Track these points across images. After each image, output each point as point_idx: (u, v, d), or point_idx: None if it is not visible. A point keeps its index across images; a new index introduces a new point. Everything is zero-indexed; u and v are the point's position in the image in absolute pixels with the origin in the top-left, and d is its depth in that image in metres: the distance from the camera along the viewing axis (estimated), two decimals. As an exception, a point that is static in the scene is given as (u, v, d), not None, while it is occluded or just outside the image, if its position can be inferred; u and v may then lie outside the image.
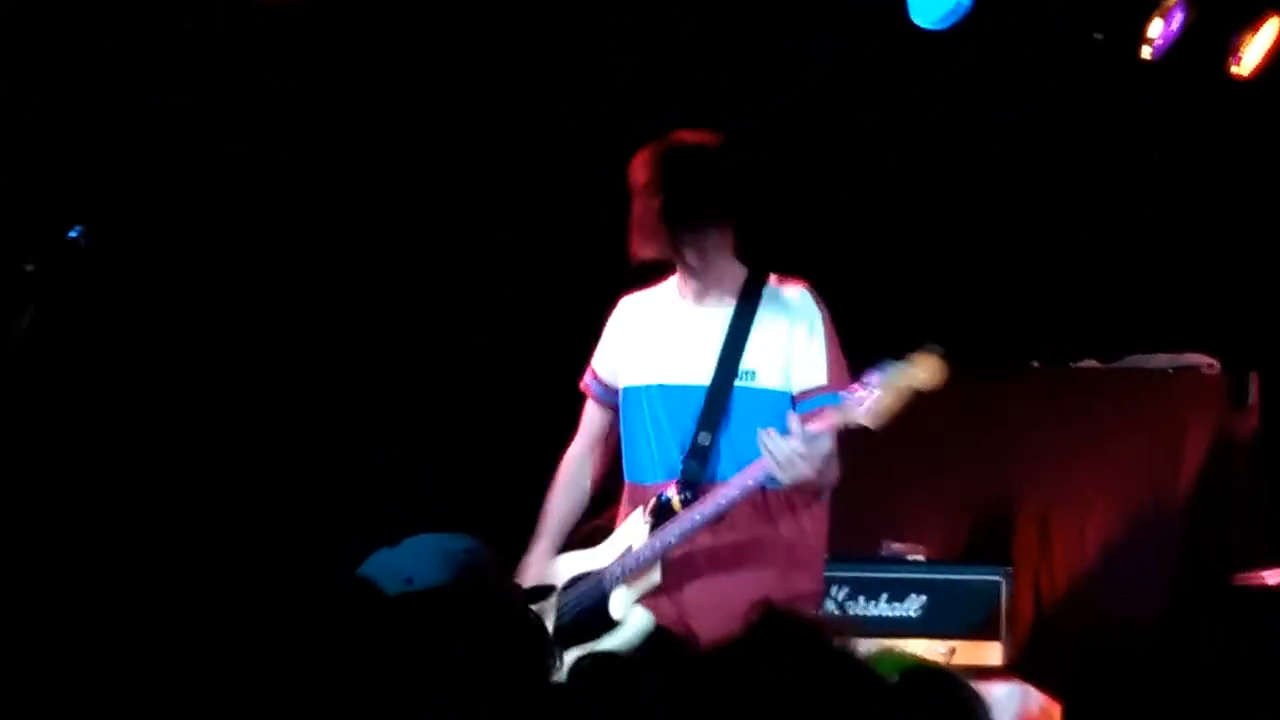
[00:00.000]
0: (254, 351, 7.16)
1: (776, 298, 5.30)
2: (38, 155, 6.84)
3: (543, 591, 5.42)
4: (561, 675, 3.21)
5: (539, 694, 3.03)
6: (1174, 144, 7.60)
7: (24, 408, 6.59)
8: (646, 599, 5.25)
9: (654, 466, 5.31)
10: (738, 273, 5.33)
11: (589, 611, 5.29)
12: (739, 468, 5.13)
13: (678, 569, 5.22)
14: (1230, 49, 7.18)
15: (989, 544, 7.42)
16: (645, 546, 5.22)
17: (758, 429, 5.02)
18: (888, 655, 3.62)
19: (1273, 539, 7.29)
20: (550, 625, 5.31)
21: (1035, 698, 6.74)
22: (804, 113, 7.41)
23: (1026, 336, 7.79)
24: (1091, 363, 7.74)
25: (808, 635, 3.30)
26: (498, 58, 7.09)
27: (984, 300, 7.76)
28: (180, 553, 6.71)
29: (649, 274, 5.43)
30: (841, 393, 5.07)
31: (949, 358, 5.07)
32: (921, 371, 5.05)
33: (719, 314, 5.30)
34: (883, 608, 6.96)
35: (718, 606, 5.09)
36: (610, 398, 5.46)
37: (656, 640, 5.24)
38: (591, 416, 5.53)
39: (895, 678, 3.44)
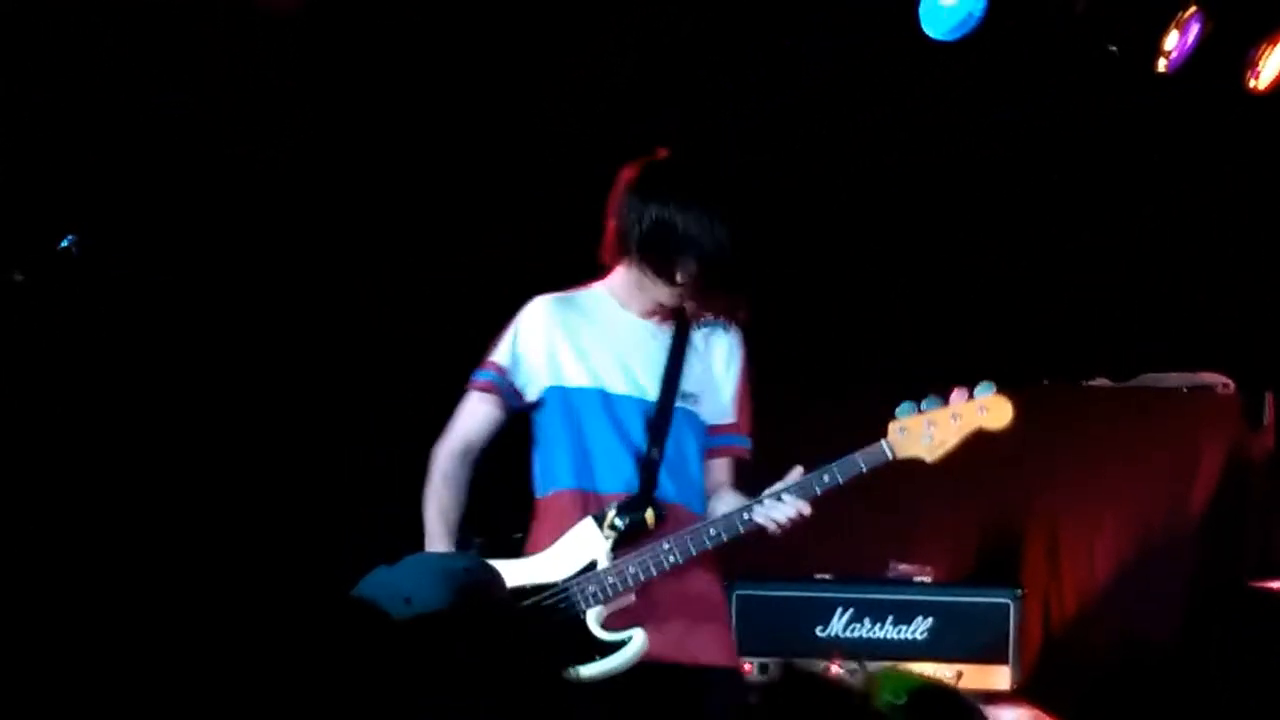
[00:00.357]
0: (254, 352, 7.12)
1: (708, 328, 5.34)
2: (36, 157, 6.81)
3: (545, 610, 5.28)
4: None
5: (541, 699, 2.98)
6: (1190, 160, 7.56)
7: (23, 414, 6.59)
8: (619, 617, 5.15)
9: (608, 474, 5.24)
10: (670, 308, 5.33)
11: (559, 628, 5.15)
12: (679, 487, 5.20)
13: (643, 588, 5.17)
14: (1248, 62, 7.13)
15: (998, 565, 7.39)
16: (632, 566, 5.12)
17: (773, 494, 5.08)
18: (894, 675, 3.59)
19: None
20: None
21: None
22: (806, 114, 7.37)
23: (1038, 353, 7.75)
24: (1104, 381, 7.70)
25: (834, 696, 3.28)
26: (498, 58, 7.07)
27: (994, 316, 7.73)
28: (180, 555, 6.67)
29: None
30: (896, 431, 5.09)
31: (1014, 395, 5.05)
32: (992, 416, 5.08)
33: (660, 331, 5.31)
34: (889, 630, 6.90)
35: (679, 631, 5.12)
36: (515, 398, 5.34)
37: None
38: (487, 413, 5.36)
39: (903, 698, 3.42)
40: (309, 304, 7.21)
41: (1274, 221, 7.58)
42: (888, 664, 3.84)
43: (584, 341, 5.32)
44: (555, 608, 5.17)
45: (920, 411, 5.09)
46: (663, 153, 5.29)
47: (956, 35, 6.64)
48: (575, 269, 5.83)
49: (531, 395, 5.34)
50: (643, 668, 5.08)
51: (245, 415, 7.12)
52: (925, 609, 6.92)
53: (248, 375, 7.11)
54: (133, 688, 6.36)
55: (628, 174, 5.29)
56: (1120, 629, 7.31)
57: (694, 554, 5.11)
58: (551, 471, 5.30)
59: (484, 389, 5.37)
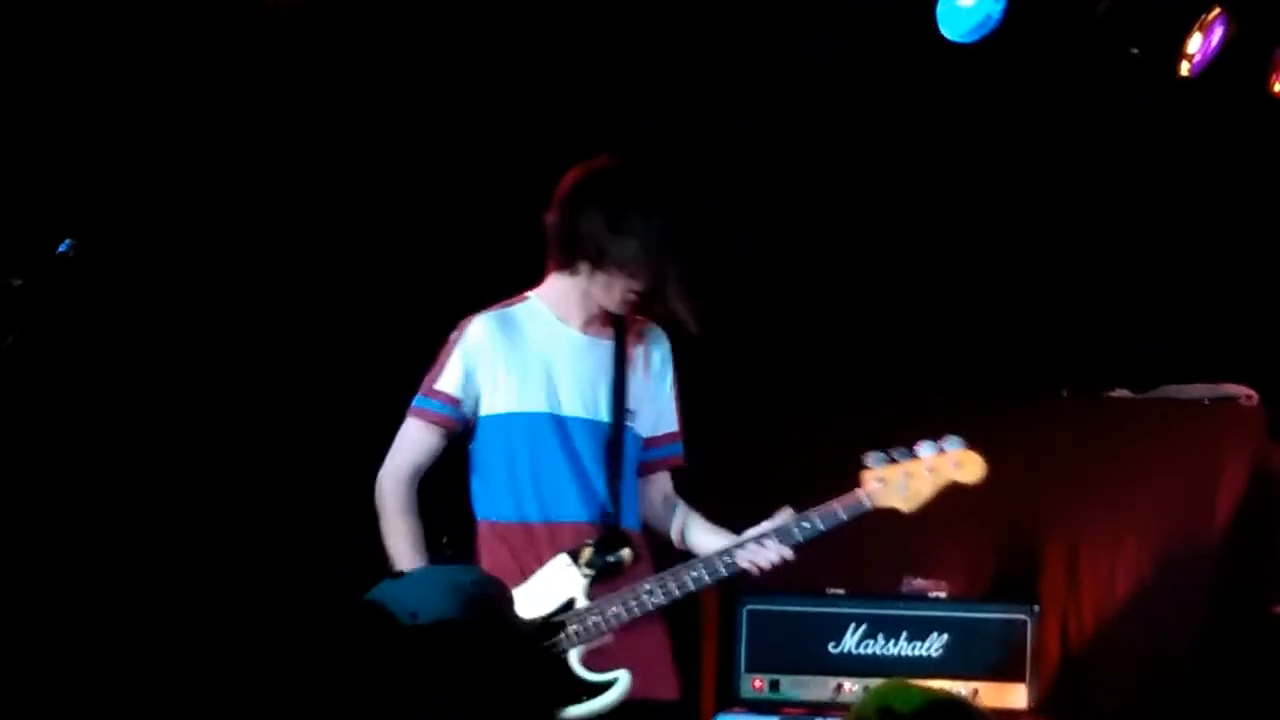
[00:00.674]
0: (255, 353, 7.08)
1: (644, 338, 5.32)
2: (35, 159, 6.81)
3: (554, 628, 5.20)
4: None
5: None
6: (1213, 166, 7.52)
7: (24, 418, 6.56)
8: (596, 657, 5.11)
9: (567, 503, 5.17)
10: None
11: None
12: (633, 511, 5.21)
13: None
14: (1272, 65, 7.08)
15: (1014, 580, 7.29)
16: (614, 607, 5.08)
17: (757, 536, 5.14)
18: (904, 689, 3.54)
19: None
20: None
21: None
22: (812, 114, 7.36)
23: (1056, 363, 7.68)
24: (1124, 392, 7.64)
25: None
26: (498, 58, 7.05)
27: (1013, 325, 7.68)
28: (182, 557, 6.67)
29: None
30: (872, 481, 5.19)
31: (980, 449, 5.25)
32: (966, 471, 5.25)
33: (603, 347, 5.25)
34: (903, 647, 6.84)
35: (636, 667, 5.10)
36: (462, 424, 5.22)
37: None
38: (434, 440, 5.23)
39: (910, 714, 3.44)
40: (310, 305, 7.18)
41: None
42: (895, 679, 3.76)
43: (529, 362, 5.21)
44: None
45: (894, 462, 5.21)
46: (604, 159, 5.24)
47: (975, 37, 6.61)
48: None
49: (477, 419, 5.23)
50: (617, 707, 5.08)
51: (246, 417, 7.08)
52: (940, 625, 6.85)
53: (248, 377, 7.07)
54: (137, 686, 6.31)
55: (569, 180, 5.23)
56: (1139, 646, 7.23)
57: (678, 596, 5.12)
58: (503, 499, 5.20)
59: (432, 420, 5.23)
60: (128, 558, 6.71)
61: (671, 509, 5.36)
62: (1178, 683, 7.11)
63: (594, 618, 5.06)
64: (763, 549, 5.13)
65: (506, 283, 7.31)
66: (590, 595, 5.09)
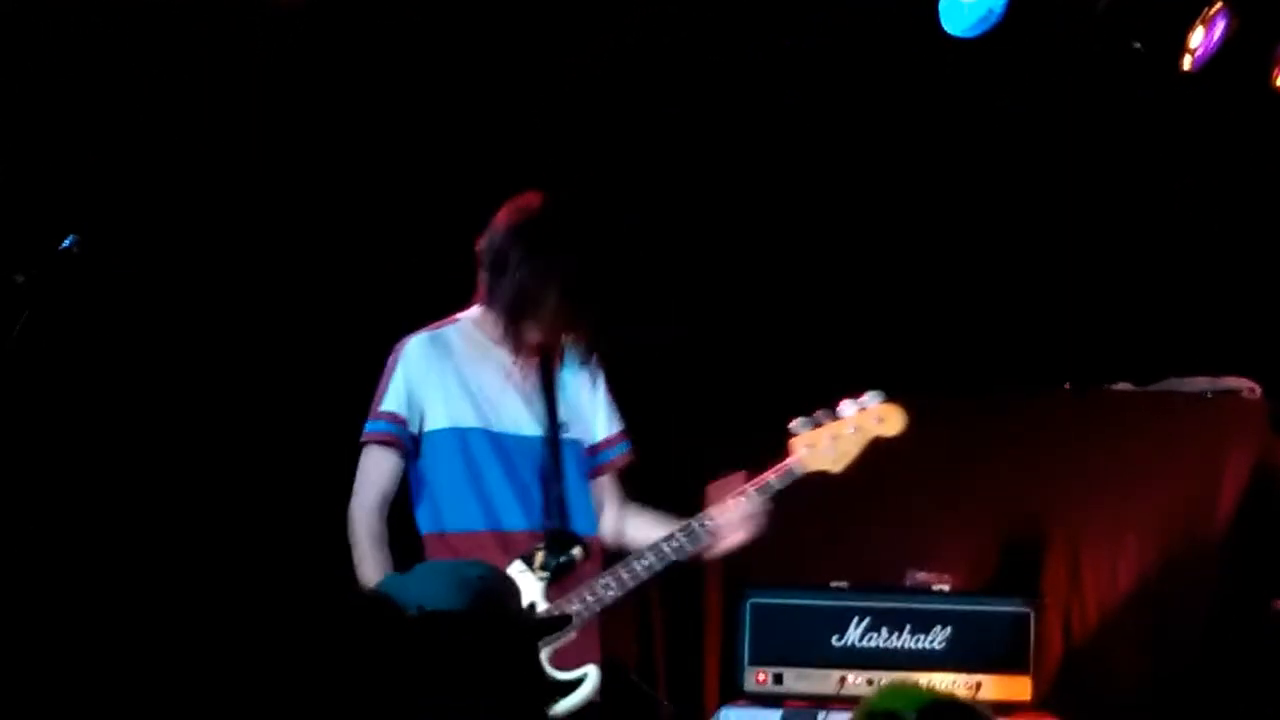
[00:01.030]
0: (257, 350, 7.08)
1: (568, 351, 5.44)
2: (37, 157, 6.82)
3: (560, 621, 5.29)
4: None
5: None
6: (1214, 159, 7.52)
7: (26, 415, 6.56)
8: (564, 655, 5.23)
9: (517, 513, 5.30)
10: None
11: None
12: (584, 518, 5.35)
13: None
14: (1274, 60, 7.08)
15: (1017, 574, 7.27)
16: (575, 604, 5.22)
17: (700, 520, 5.25)
18: (904, 689, 3.55)
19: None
20: None
21: None
22: (816, 112, 7.39)
23: (1059, 357, 7.66)
24: (1126, 385, 7.63)
25: None
26: (497, 58, 7.06)
27: (1016, 319, 7.65)
28: (186, 552, 6.68)
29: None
30: (801, 445, 5.33)
31: (903, 401, 5.36)
32: (888, 425, 5.38)
33: (531, 364, 5.39)
34: (906, 640, 6.82)
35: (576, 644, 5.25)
36: (411, 443, 5.37)
37: None
38: (394, 464, 5.37)
39: (912, 715, 3.41)
40: (310, 302, 7.17)
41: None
42: (897, 677, 3.77)
43: (465, 381, 5.36)
44: None
45: (818, 426, 5.33)
46: (531, 199, 5.38)
47: (976, 32, 6.60)
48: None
49: (421, 435, 5.37)
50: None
51: (248, 413, 7.07)
52: (943, 618, 6.83)
53: (250, 373, 7.06)
54: (141, 676, 6.30)
55: (499, 221, 5.39)
56: (1142, 639, 7.22)
57: (631, 586, 5.25)
58: (450, 510, 5.33)
59: (384, 441, 5.36)
60: (130, 551, 6.72)
61: (618, 510, 5.50)
62: (1181, 676, 7.10)
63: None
64: (704, 529, 5.26)
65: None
66: (549, 597, 5.21)
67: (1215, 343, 7.62)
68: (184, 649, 6.47)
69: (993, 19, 6.63)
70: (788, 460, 5.33)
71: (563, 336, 5.36)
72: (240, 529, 6.83)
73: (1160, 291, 7.68)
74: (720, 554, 5.35)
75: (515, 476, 5.32)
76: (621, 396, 5.63)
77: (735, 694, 6.80)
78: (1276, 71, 7.09)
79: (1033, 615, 6.83)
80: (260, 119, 6.94)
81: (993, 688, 6.71)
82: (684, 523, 5.29)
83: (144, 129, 6.89)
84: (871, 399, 5.36)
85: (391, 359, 5.41)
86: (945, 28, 6.62)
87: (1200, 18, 6.91)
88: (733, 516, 5.27)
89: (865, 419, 5.35)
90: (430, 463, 5.36)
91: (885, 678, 6.41)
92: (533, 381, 5.39)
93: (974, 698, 6.50)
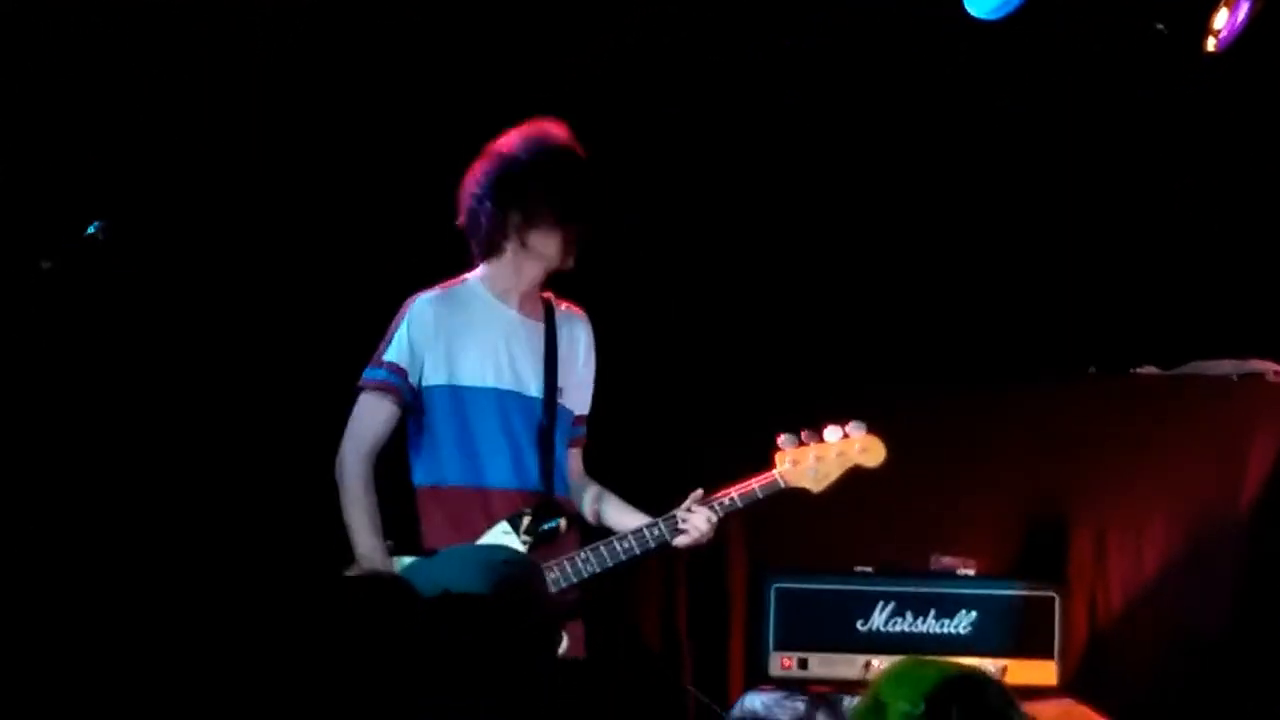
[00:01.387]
0: (254, 352, 7.08)
1: (571, 320, 5.65)
2: (62, 143, 6.86)
3: (577, 607, 5.43)
4: None
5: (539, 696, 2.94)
6: (1240, 142, 7.49)
7: (52, 401, 6.59)
8: None
9: (506, 471, 5.45)
10: (540, 291, 5.62)
11: None
12: (563, 482, 5.52)
13: None
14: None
15: (1043, 558, 7.25)
16: (554, 573, 5.36)
17: (689, 506, 5.43)
18: (920, 665, 3.52)
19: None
20: None
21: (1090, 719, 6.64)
22: (830, 96, 7.37)
23: (1084, 341, 7.65)
24: (1151, 369, 7.61)
25: None
26: (497, 58, 7.07)
27: (1039, 302, 7.63)
28: (209, 538, 6.72)
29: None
30: (784, 462, 5.54)
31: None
32: (870, 456, 5.62)
33: (536, 327, 5.55)
34: (931, 624, 6.82)
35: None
36: (410, 395, 5.49)
37: None
38: (389, 412, 5.49)
39: (920, 706, 3.40)
40: (307, 304, 7.17)
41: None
42: (903, 660, 3.75)
43: (471, 339, 5.49)
44: None
45: (804, 445, 5.57)
46: (496, 148, 5.57)
47: (1000, 14, 6.56)
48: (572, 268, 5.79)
49: (416, 393, 5.49)
50: None
51: (270, 400, 7.08)
52: (968, 603, 6.84)
53: (272, 362, 7.07)
54: (134, 670, 6.29)
55: (473, 178, 5.54)
56: (1168, 623, 7.20)
57: (610, 566, 5.43)
58: (440, 466, 5.46)
59: (382, 388, 5.49)
60: (144, 534, 6.73)
61: (584, 485, 5.66)
62: (1206, 659, 7.08)
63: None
64: (694, 516, 5.43)
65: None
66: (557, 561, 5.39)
67: (1240, 326, 7.59)
68: (185, 645, 6.46)
69: (1015, 2, 6.60)
70: (772, 472, 5.53)
71: (569, 243, 5.48)
72: (244, 518, 6.83)
73: (1184, 275, 7.64)
74: (681, 548, 5.51)
75: (511, 435, 5.46)
76: (624, 385, 5.76)
77: (760, 679, 6.79)
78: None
79: (1058, 600, 6.84)
80: (263, 118, 6.97)
81: (1018, 672, 6.69)
82: (669, 514, 5.46)
83: (167, 113, 6.91)
84: (856, 428, 5.58)
85: (399, 314, 5.54)
86: (969, 10, 6.58)
87: (1224, -1, 6.88)
88: (702, 519, 5.44)
89: (849, 445, 5.58)
90: (428, 416, 5.48)
91: (902, 659, 6.40)
92: (536, 343, 5.52)
93: (1004, 683, 6.48)
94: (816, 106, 7.38)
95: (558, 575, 5.36)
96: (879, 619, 6.81)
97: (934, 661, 3.65)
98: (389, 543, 5.45)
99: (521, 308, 5.55)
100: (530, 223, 5.48)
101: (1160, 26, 6.96)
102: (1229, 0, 6.86)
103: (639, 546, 5.43)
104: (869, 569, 6.94)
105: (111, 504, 6.78)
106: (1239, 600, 7.16)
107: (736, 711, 6.68)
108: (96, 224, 5.90)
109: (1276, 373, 7.47)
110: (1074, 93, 7.38)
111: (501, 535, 5.38)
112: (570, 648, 5.39)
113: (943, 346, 7.47)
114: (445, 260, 5.75)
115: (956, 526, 7.26)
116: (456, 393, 5.47)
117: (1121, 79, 7.34)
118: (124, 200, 6.53)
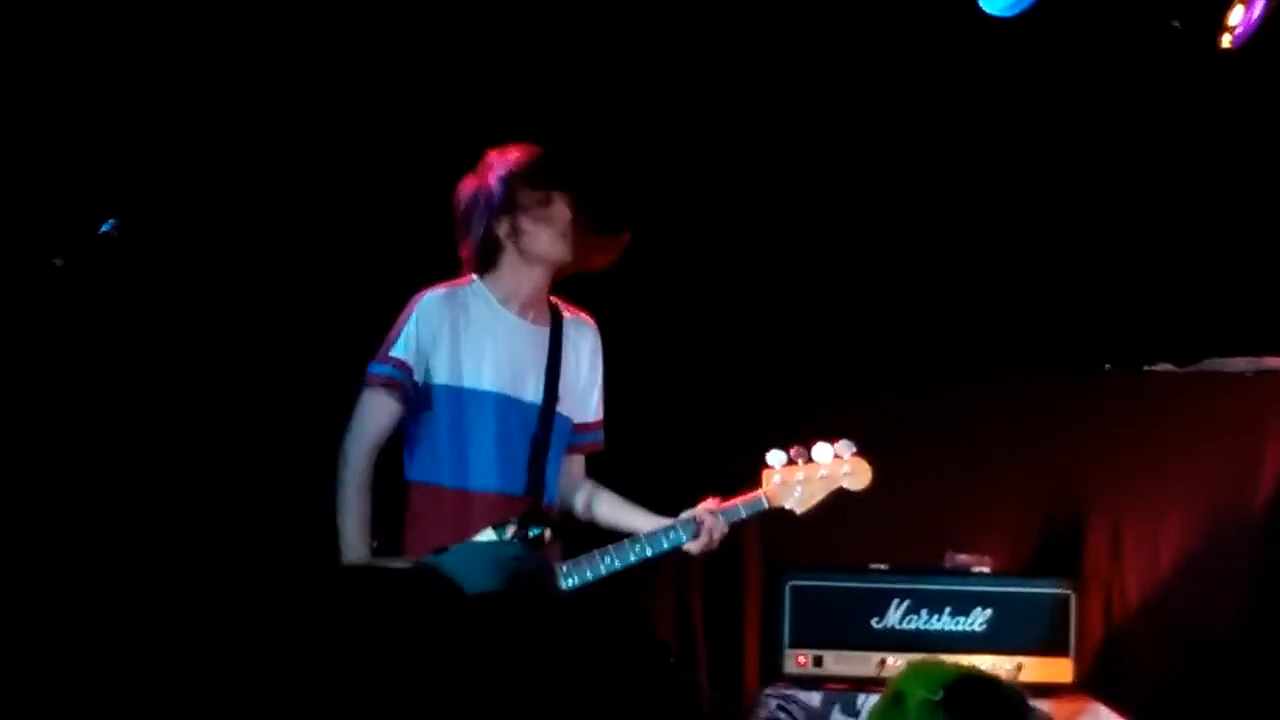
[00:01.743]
0: (266, 348, 7.08)
1: (576, 328, 5.67)
2: (76, 141, 6.85)
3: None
4: None
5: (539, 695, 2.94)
6: (1254, 139, 7.45)
7: (64, 398, 6.60)
8: None
9: (493, 474, 5.46)
10: (546, 297, 5.66)
11: None
12: (554, 489, 5.54)
13: None
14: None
15: (1058, 555, 7.25)
16: (579, 576, 5.43)
17: (702, 511, 5.52)
18: (929, 668, 3.54)
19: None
20: None
21: (1107, 717, 6.65)
22: (845, 90, 7.36)
23: (1098, 338, 7.63)
24: (1167, 366, 7.59)
25: None
26: (497, 58, 7.08)
27: (1055, 300, 7.61)
28: (212, 544, 6.70)
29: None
30: (771, 481, 5.60)
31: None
32: (855, 479, 5.69)
33: (540, 333, 5.57)
34: (946, 622, 6.81)
35: None
36: (415, 392, 5.51)
37: None
38: (393, 409, 5.52)
39: (938, 694, 3.42)
40: (338, 288, 7.19)
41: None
42: (922, 657, 3.77)
43: (473, 340, 5.51)
44: None
45: (792, 464, 5.62)
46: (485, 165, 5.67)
47: (1015, 11, 6.55)
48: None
49: (419, 390, 5.51)
50: None
51: (283, 394, 7.09)
52: (984, 600, 6.83)
53: (283, 357, 7.08)
54: (135, 668, 6.28)
55: (463, 201, 5.62)
56: (1184, 621, 7.18)
57: (631, 564, 5.49)
58: (430, 464, 5.50)
59: (387, 384, 5.51)
60: (152, 529, 6.74)
61: (578, 486, 5.71)
62: (1222, 657, 7.07)
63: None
64: (713, 521, 5.52)
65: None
66: None
67: (1255, 322, 7.57)
68: (186, 644, 6.46)
69: (1031, -1, 6.59)
70: (758, 491, 5.59)
71: (577, 245, 5.54)
72: (255, 513, 6.85)
73: (1200, 272, 7.62)
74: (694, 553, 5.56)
75: (504, 440, 5.48)
76: (623, 386, 5.78)
77: (775, 677, 6.79)
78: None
79: (1074, 597, 6.83)
80: (269, 117, 6.97)
81: (1033, 669, 6.69)
82: (687, 517, 5.52)
83: (181, 111, 6.92)
84: (845, 448, 5.65)
85: (407, 309, 5.56)
86: (984, 7, 6.57)
87: (1239, -5, 6.85)
88: (719, 526, 5.53)
89: (836, 468, 5.64)
90: (425, 414, 5.50)
91: (920, 658, 6.40)
92: (538, 349, 5.55)
93: (1014, 679, 6.48)
94: (816, 106, 7.37)
95: (582, 572, 5.42)
96: (894, 616, 6.80)
97: (949, 661, 3.68)
98: (374, 543, 5.47)
99: (524, 313, 5.59)
100: (517, 225, 5.53)
101: (1175, 23, 6.94)
102: (1244, -4, 6.85)
103: (653, 549, 5.49)
104: (884, 566, 6.93)
105: (119, 500, 6.78)
106: (1255, 597, 7.13)
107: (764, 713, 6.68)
108: (110, 222, 5.91)
109: (1292, 369, 7.47)
110: (1085, 89, 7.36)
111: (485, 540, 5.40)
112: None
113: (958, 344, 7.47)
114: (451, 256, 5.76)
115: (971, 524, 7.26)
116: (456, 393, 5.49)
117: (1136, 74, 7.32)
118: (137, 198, 6.53)
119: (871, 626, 6.80)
